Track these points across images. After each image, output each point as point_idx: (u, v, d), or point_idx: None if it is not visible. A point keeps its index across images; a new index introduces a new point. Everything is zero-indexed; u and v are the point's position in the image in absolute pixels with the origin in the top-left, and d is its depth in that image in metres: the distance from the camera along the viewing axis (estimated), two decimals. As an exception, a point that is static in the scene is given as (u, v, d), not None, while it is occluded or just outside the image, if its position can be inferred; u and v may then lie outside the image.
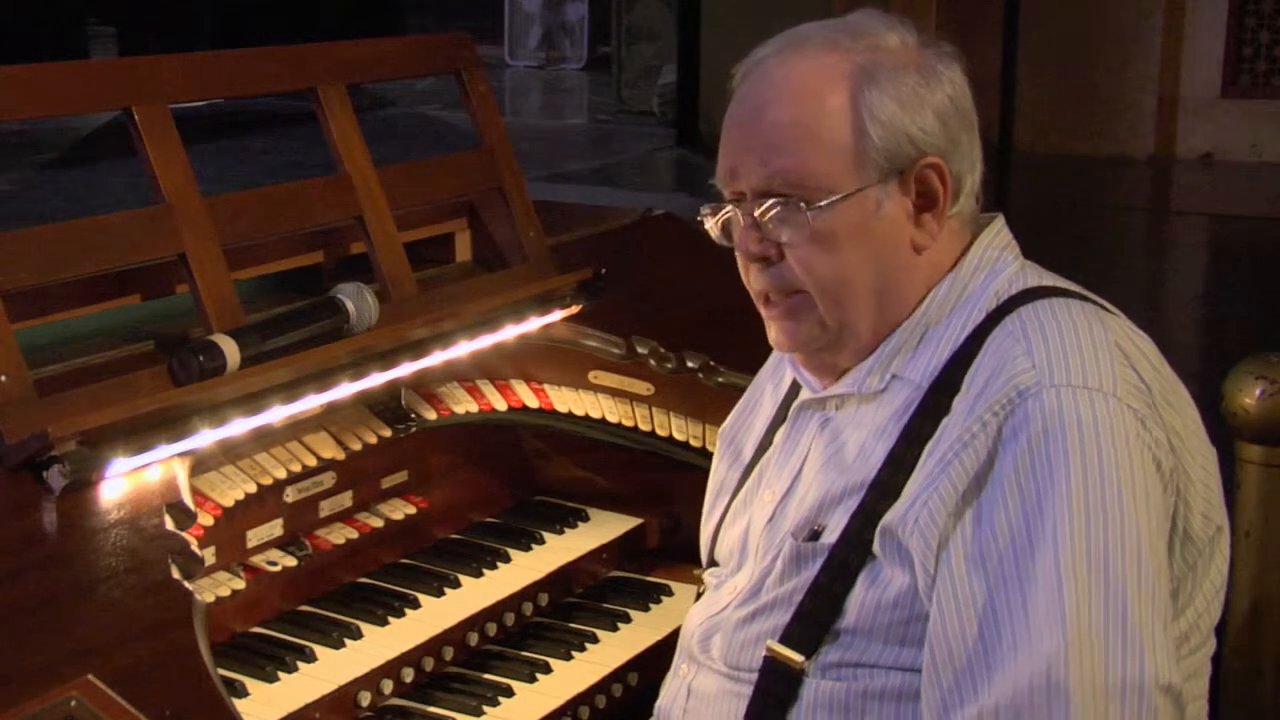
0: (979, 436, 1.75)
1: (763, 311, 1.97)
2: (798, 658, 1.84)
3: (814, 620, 1.84)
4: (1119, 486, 1.69)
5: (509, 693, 2.31)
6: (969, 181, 1.92)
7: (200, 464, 2.17)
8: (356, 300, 2.34)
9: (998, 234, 1.97)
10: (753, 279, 1.94)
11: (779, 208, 1.86)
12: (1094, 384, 1.74)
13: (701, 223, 1.98)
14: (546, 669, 2.38)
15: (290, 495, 2.44)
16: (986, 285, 1.91)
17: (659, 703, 2.11)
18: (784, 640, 1.86)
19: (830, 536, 1.86)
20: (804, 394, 2.03)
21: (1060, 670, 1.63)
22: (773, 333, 1.97)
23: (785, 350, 2.01)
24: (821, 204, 1.84)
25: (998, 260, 1.93)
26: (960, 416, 1.78)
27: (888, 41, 1.90)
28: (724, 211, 1.95)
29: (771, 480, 2.05)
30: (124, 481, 2.01)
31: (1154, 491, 1.73)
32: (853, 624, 1.82)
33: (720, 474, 2.22)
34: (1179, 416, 1.82)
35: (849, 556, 1.83)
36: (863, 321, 1.90)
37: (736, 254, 1.96)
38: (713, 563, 2.17)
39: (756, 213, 1.88)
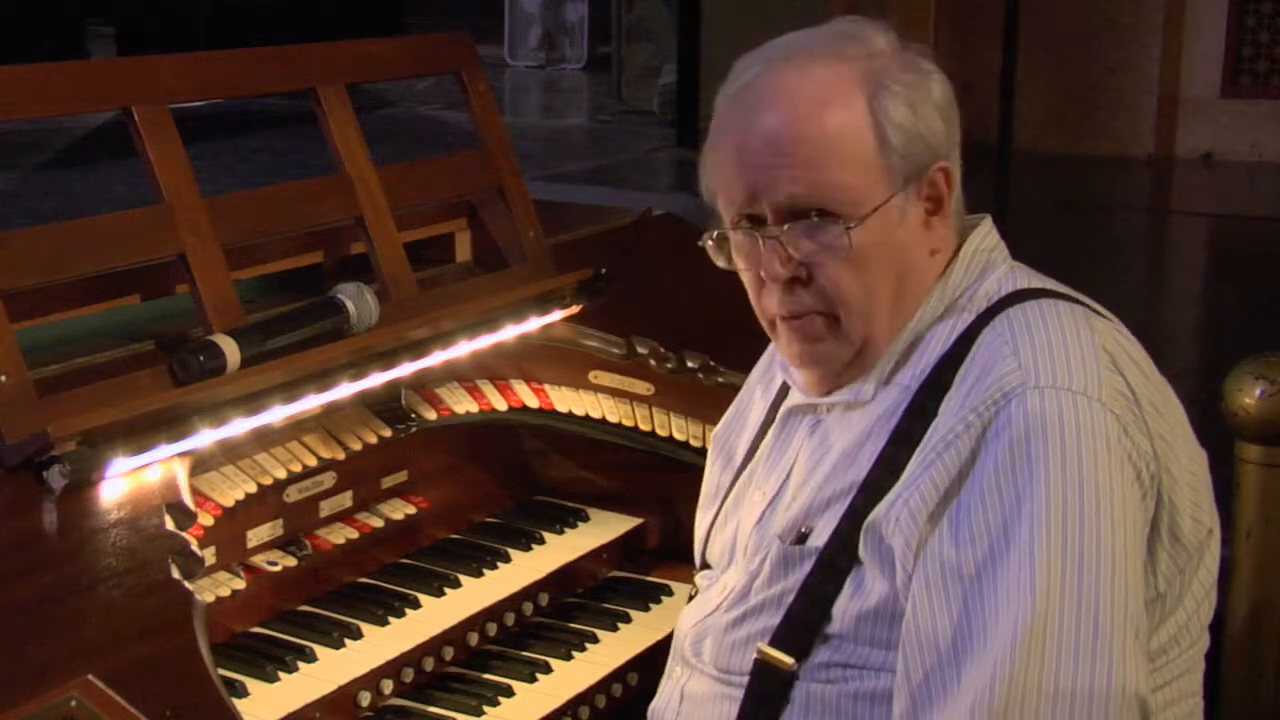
0: (962, 436, 1.74)
1: (774, 331, 1.92)
2: (788, 660, 1.84)
3: (804, 623, 1.84)
4: (1097, 493, 1.68)
5: (509, 693, 2.31)
6: (958, 179, 1.91)
7: (200, 464, 2.17)
8: (356, 300, 2.34)
9: (985, 236, 1.95)
10: (773, 303, 1.88)
11: (813, 225, 1.82)
12: (1078, 387, 1.73)
13: (703, 249, 1.93)
14: (546, 669, 2.38)
15: (290, 495, 2.44)
16: (975, 288, 1.90)
17: (653, 704, 2.12)
18: (774, 643, 1.86)
19: (818, 540, 1.86)
20: (794, 397, 2.02)
21: (1032, 675, 1.63)
22: (793, 350, 1.91)
23: (804, 367, 1.95)
24: (857, 218, 1.81)
25: (986, 263, 1.92)
26: (946, 417, 1.78)
27: (879, 46, 1.87)
28: (734, 235, 1.89)
29: (761, 482, 2.04)
30: (124, 481, 2.01)
31: (1131, 499, 1.72)
32: (839, 629, 1.82)
33: (713, 476, 2.22)
34: (1165, 421, 1.81)
35: (838, 559, 1.82)
36: (881, 335, 1.88)
37: (744, 276, 1.91)
38: (705, 565, 2.18)
39: (785, 233, 1.83)
